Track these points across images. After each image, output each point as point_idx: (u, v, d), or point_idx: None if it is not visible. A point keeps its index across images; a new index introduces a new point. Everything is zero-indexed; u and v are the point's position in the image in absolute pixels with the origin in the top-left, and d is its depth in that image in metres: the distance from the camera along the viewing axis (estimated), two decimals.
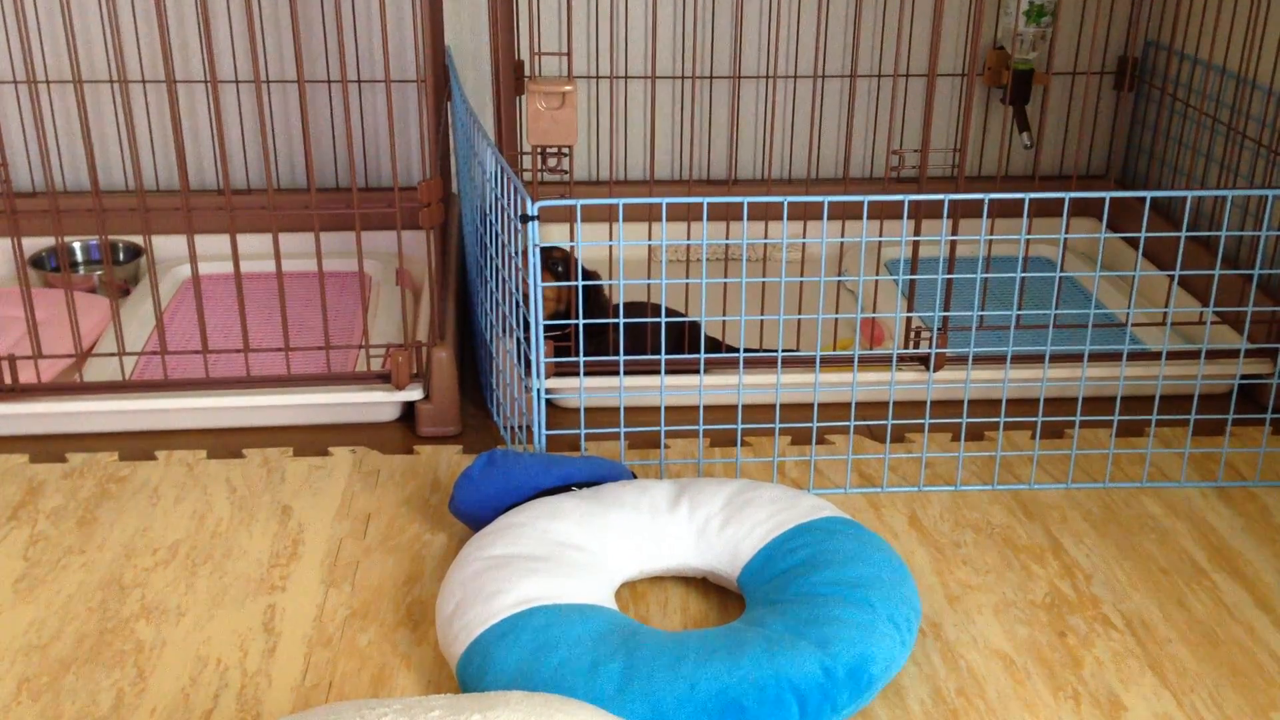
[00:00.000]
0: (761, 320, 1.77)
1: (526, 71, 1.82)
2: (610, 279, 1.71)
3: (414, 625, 1.27)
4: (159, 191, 2.16)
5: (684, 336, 1.68)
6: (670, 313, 1.75)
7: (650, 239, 1.62)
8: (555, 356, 1.58)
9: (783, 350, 1.56)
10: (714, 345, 1.77)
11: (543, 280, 1.45)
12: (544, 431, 1.49)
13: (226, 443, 1.60)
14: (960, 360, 1.66)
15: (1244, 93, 1.88)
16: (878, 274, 2.02)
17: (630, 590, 1.33)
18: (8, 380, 1.57)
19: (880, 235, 1.81)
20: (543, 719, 0.95)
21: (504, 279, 1.51)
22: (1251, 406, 1.72)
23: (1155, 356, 1.68)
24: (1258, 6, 1.83)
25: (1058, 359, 1.65)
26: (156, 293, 1.59)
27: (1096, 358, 1.66)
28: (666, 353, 1.53)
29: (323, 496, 1.49)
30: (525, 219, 1.38)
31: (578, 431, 1.54)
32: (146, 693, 1.17)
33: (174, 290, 1.99)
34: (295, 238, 1.91)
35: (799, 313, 1.63)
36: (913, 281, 1.66)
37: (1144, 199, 1.52)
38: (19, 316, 1.76)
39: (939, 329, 1.64)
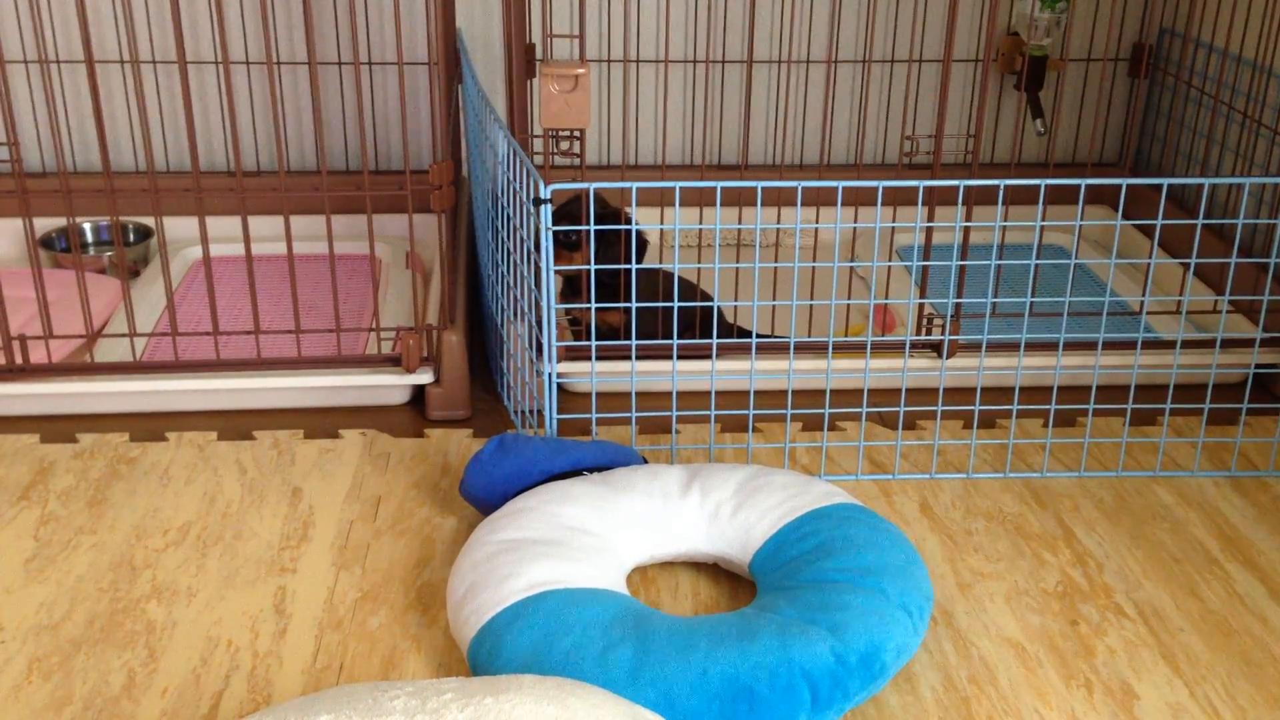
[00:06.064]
0: (773, 306, 1.77)
1: (538, 54, 1.81)
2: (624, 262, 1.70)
3: (424, 608, 1.27)
4: (169, 173, 2.16)
5: (698, 318, 1.67)
6: (688, 288, 1.73)
7: (662, 223, 1.61)
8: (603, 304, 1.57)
9: (795, 336, 1.55)
10: (727, 327, 1.76)
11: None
12: (555, 416, 1.48)
13: (237, 424, 1.60)
14: (973, 347, 1.65)
15: (1260, 80, 1.87)
16: (890, 260, 2.02)
17: (641, 575, 1.33)
18: (19, 360, 1.57)
19: (893, 221, 1.81)
20: (555, 703, 0.94)
21: (515, 262, 1.50)
22: (1265, 396, 1.71)
23: (1169, 345, 1.67)
24: None
25: (1071, 347, 1.64)
26: (167, 274, 1.59)
27: (1110, 346, 1.65)
28: (680, 331, 1.53)
29: (333, 479, 1.49)
30: (538, 202, 1.38)
31: (589, 416, 1.54)
32: (157, 673, 1.17)
33: (184, 272, 1.98)
34: (306, 220, 1.91)
35: (811, 299, 1.63)
36: (925, 268, 1.65)
37: (1160, 186, 1.51)
38: (30, 297, 1.76)
39: (951, 316, 1.63)
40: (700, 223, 1.70)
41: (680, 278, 1.67)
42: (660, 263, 1.75)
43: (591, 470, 1.39)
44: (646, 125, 2.20)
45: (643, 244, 1.66)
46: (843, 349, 1.64)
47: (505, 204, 1.51)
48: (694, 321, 1.67)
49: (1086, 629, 1.26)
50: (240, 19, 2.08)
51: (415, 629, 1.24)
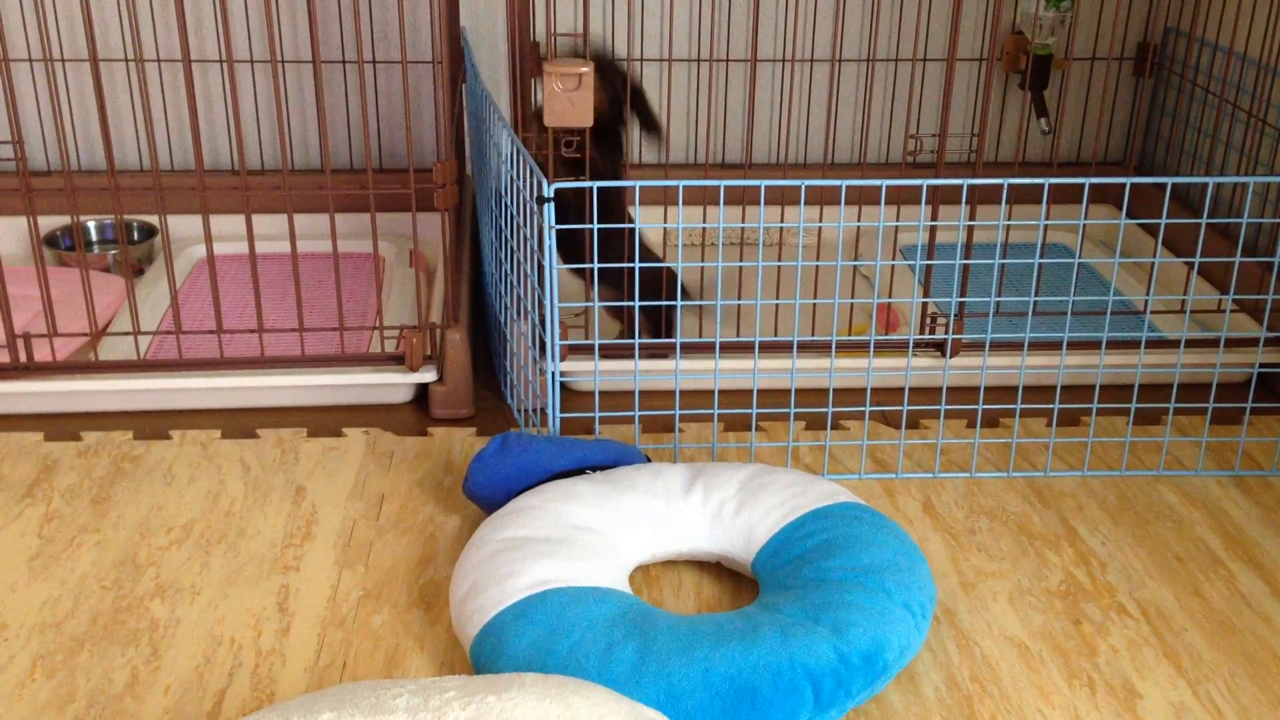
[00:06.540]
0: (777, 305, 1.77)
1: (542, 53, 1.81)
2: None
3: (427, 607, 1.27)
4: (174, 171, 2.16)
5: (661, 283, 1.66)
6: (649, 256, 1.72)
7: (666, 222, 1.61)
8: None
9: (798, 335, 1.55)
10: (686, 294, 1.75)
11: (595, 83, 1.43)
12: (558, 414, 1.48)
13: (240, 423, 1.60)
14: (976, 347, 1.65)
15: (1265, 79, 1.87)
16: (894, 259, 2.01)
17: (643, 574, 1.33)
18: (23, 358, 1.57)
19: (897, 220, 1.80)
20: (557, 701, 0.94)
21: (519, 261, 1.50)
22: (1270, 395, 1.71)
23: (1173, 344, 1.67)
24: None
25: (1075, 346, 1.64)
26: (171, 272, 1.59)
27: (1114, 345, 1.65)
28: (643, 294, 1.51)
29: (336, 477, 1.49)
30: (541, 201, 1.38)
31: (592, 415, 1.54)
32: (161, 671, 1.17)
33: (188, 270, 1.99)
34: (310, 219, 1.91)
35: (814, 298, 1.63)
36: (929, 267, 1.65)
37: (1164, 186, 1.51)
38: (34, 295, 1.76)
39: (955, 315, 1.63)
40: (704, 221, 1.70)
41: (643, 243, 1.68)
42: (664, 261, 1.74)
43: (595, 469, 1.39)
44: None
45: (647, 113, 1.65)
46: (846, 348, 1.64)
47: (509, 202, 1.52)
48: (656, 286, 1.65)
49: (1089, 628, 1.26)
50: (245, 17, 2.08)
51: (418, 627, 1.24)
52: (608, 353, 1.59)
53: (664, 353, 1.65)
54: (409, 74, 2.10)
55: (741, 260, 1.61)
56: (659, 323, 1.71)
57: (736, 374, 1.64)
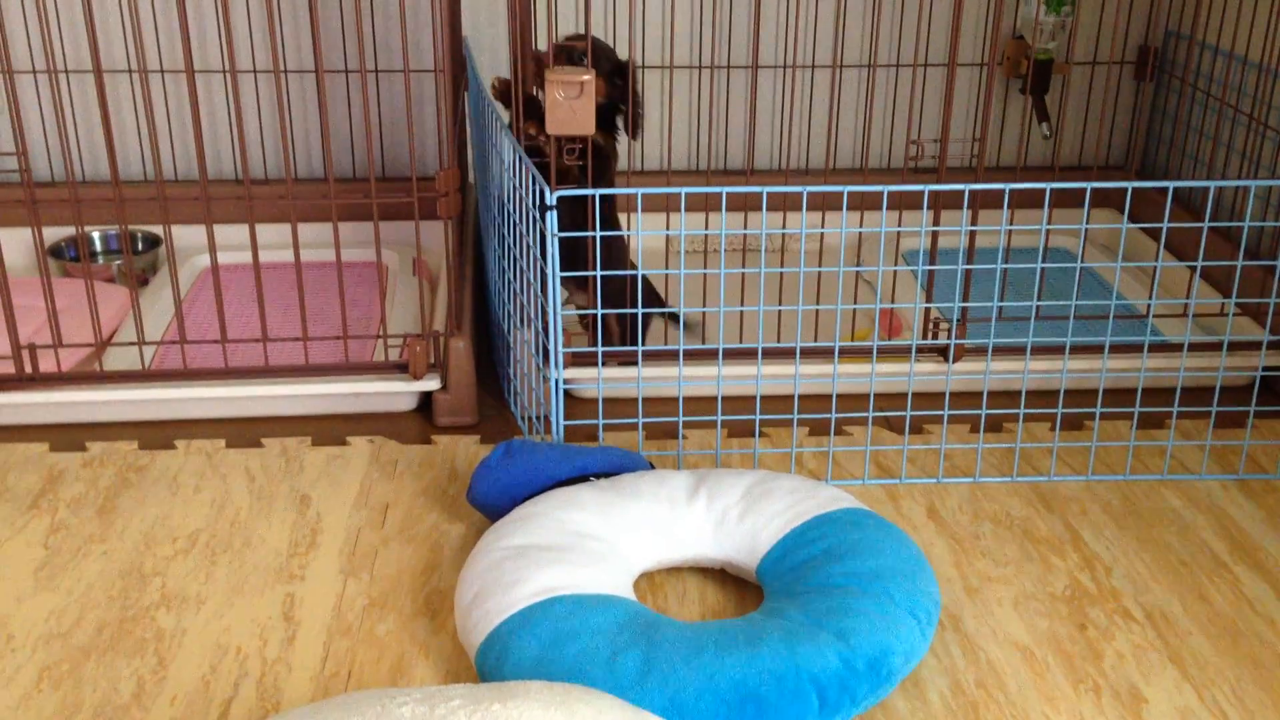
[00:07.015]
0: (779, 311, 1.77)
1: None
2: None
3: (432, 615, 1.27)
4: (178, 181, 2.17)
5: (626, 289, 1.66)
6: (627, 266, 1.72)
7: (668, 229, 1.61)
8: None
9: (801, 341, 1.55)
10: (654, 297, 1.74)
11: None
12: (562, 421, 1.49)
13: (245, 432, 1.61)
14: (979, 351, 1.65)
15: (1266, 83, 1.87)
16: (896, 265, 2.02)
17: (648, 581, 1.33)
18: (28, 369, 1.57)
19: (899, 225, 1.81)
20: (563, 708, 0.95)
21: (522, 269, 1.50)
22: (1273, 399, 1.71)
23: (1176, 348, 1.67)
24: None
25: (1078, 350, 1.64)
26: (176, 282, 1.60)
27: (1117, 349, 1.65)
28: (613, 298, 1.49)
29: (341, 486, 1.49)
30: (544, 209, 1.38)
31: (595, 422, 1.54)
32: (167, 681, 1.17)
33: (192, 280, 1.99)
34: (313, 228, 1.91)
35: (817, 303, 1.63)
36: (931, 272, 1.65)
37: (1166, 190, 1.51)
38: (39, 306, 1.76)
39: (958, 320, 1.63)
40: (706, 228, 1.70)
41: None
42: (666, 268, 1.75)
43: (598, 476, 1.39)
44: (652, 131, 2.20)
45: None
46: (849, 353, 1.64)
47: (511, 210, 1.52)
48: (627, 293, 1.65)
49: (1094, 633, 1.26)
50: (248, 28, 2.08)
51: (423, 635, 1.24)
52: (611, 360, 1.60)
53: (632, 360, 1.64)
54: (411, 83, 2.10)
55: (744, 266, 1.61)
56: (625, 331, 1.71)
57: (740, 380, 1.64)
